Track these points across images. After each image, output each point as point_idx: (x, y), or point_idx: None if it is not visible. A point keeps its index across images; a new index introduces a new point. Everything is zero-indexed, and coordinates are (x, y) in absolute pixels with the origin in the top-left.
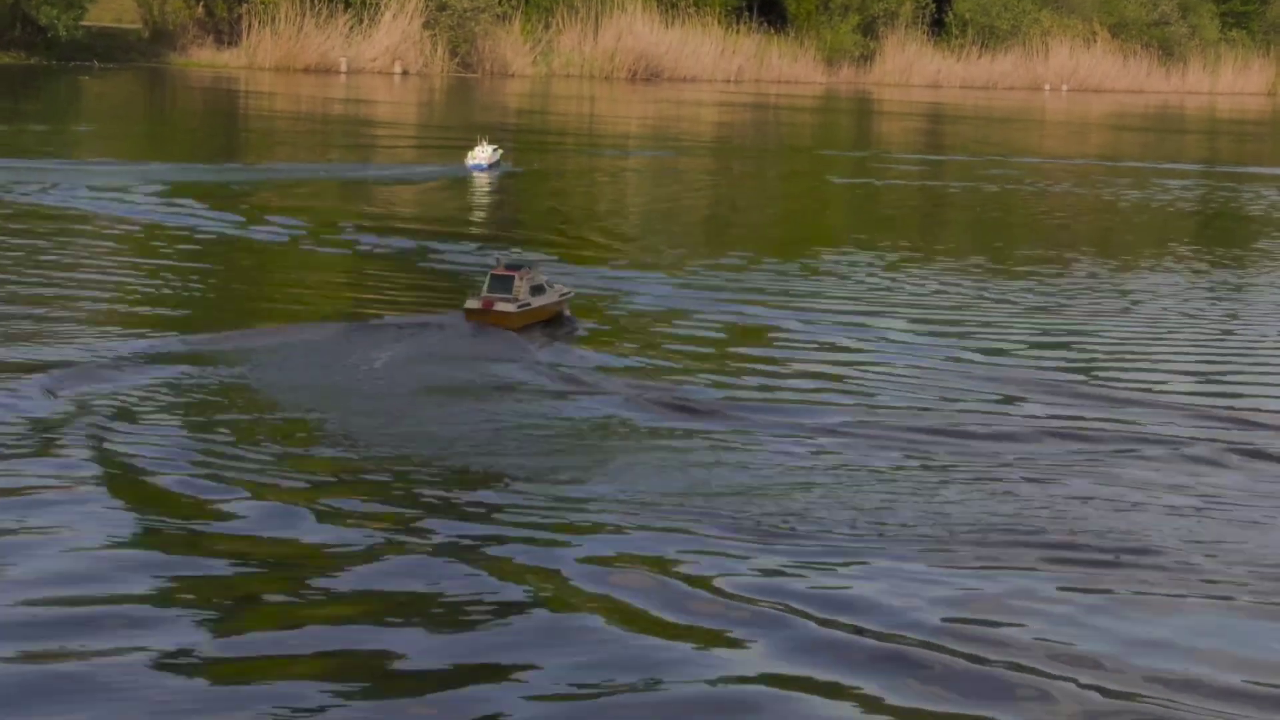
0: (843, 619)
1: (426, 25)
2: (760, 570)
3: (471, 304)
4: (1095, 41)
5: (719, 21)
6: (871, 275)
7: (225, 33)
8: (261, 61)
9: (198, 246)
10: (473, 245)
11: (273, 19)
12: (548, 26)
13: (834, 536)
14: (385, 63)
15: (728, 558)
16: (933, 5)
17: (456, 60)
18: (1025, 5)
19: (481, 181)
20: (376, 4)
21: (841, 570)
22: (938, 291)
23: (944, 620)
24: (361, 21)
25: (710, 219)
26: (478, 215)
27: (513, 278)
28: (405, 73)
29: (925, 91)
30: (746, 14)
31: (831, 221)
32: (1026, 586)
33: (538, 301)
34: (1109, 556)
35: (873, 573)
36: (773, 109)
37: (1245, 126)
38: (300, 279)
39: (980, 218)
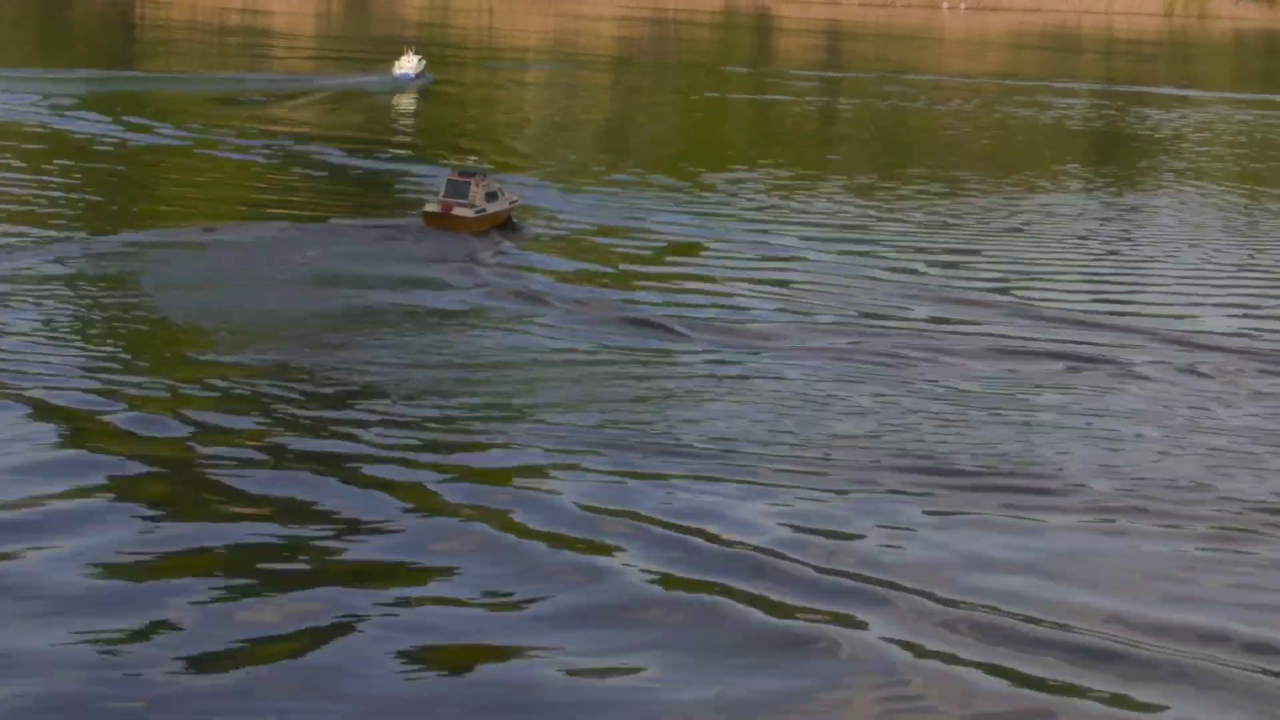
0: (700, 532)
1: None
2: (620, 482)
3: (431, 208)
4: None
5: None
6: (769, 191)
7: None
8: None
9: (118, 152)
10: (401, 154)
11: None
12: None
13: (709, 452)
14: None
15: (593, 471)
16: None
17: None
18: None
19: (409, 90)
20: None
21: (713, 486)
22: (836, 209)
23: (796, 533)
24: None
25: (610, 133)
26: (402, 125)
27: (469, 184)
28: None
29: (824, 8)
30: None
31: (730, 137)
32: (888, 507)
33: (492, 208)
34: (988, 477)
35: (744, 491)
36: (672, 24)
37: (1141, 46)
38: (246, 185)
39: (877, 134)
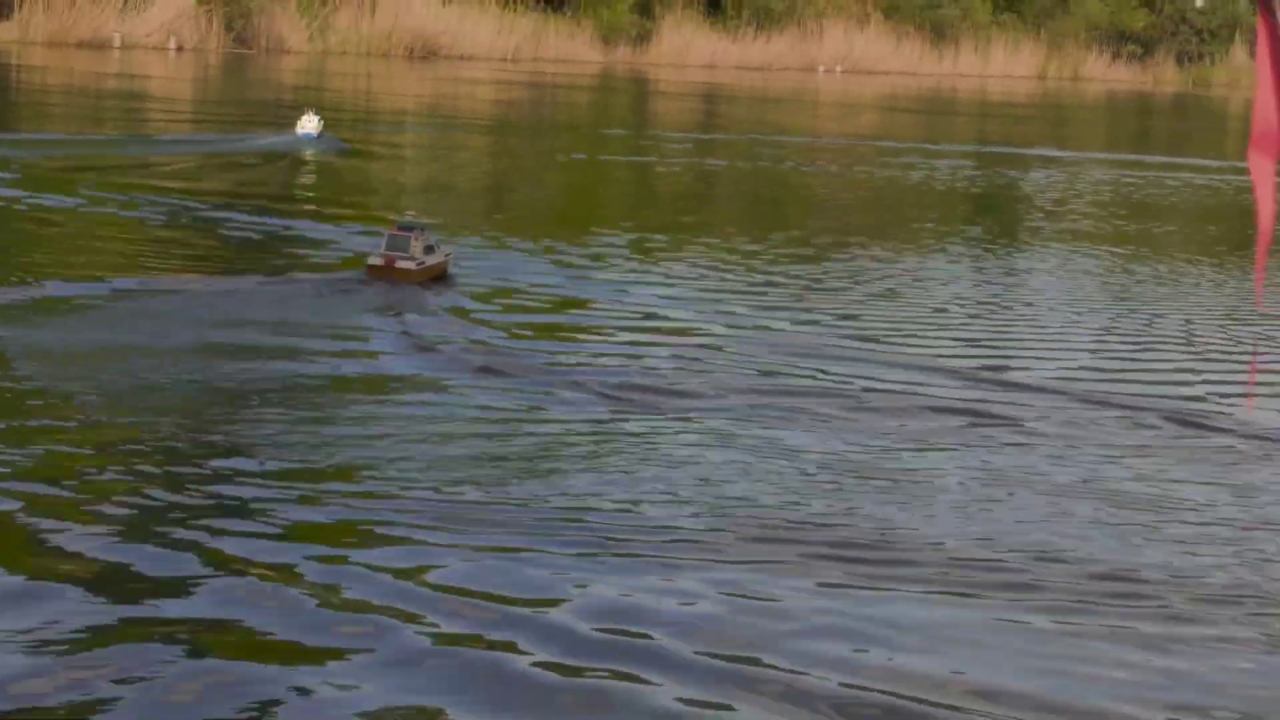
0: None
1: (201, 1)
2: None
3: (374, 260)
4: (869, 24)
5: (496, 0)
6: (649, 252)
7: None
8: (34, 36)
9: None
10: (313, 210)
11: None
12: (324, 3)
13: (568, 526)
14: (160, 38)
15: (425, 547)
16: None
17: (232, 35)
18: None
19: (310, 150)
20: None
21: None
22: (709, 271)
23: (600, 628)
24: None
25: (496, 194)
26: (310, 184)
27: (409, 237)
28: (180, 49)
29: (701, 72)
30: None
31: (606, 200)
32: (739, 579)
33: (430, 260)
34: (860, 549)
35: (599, 572)
36: (550, 88)
37: (1015, 109)
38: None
39: (753, 197)
